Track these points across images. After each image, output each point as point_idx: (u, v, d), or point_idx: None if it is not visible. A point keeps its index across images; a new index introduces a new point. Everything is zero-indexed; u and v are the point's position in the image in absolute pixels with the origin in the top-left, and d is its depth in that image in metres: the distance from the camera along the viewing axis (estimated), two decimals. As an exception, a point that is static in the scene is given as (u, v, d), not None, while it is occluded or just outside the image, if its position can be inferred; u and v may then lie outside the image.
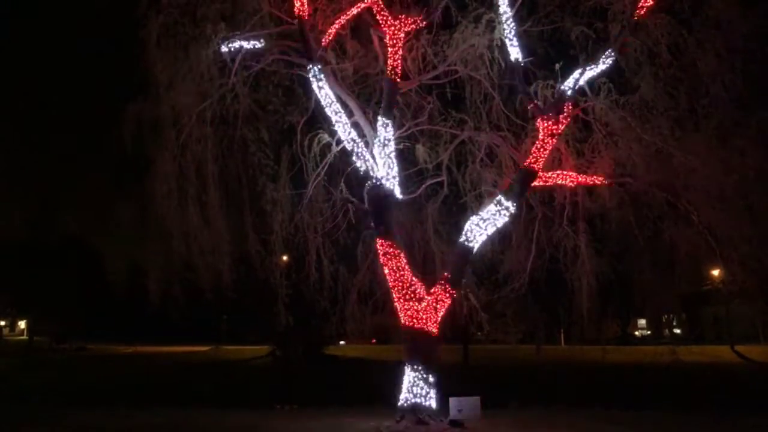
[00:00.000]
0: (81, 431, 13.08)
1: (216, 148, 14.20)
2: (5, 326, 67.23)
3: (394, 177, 13.68)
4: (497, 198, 13.22)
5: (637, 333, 66.74)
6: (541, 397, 17.55)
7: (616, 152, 13.54)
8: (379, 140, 13.71)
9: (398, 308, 13.12)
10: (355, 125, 14.28)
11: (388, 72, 13.98)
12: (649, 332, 65.93)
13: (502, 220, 13.14)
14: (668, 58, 12.97)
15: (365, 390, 19.08)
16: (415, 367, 12.60)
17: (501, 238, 14.94)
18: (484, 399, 13.27)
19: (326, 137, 14.88)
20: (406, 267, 13.13)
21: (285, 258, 16.08)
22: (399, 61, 14.07)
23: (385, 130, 13.74)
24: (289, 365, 34.26)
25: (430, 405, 12.47)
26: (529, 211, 14.65)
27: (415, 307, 12.88)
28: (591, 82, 13.47)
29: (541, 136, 13.15)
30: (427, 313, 12.86)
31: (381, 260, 13.29)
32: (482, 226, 13.14)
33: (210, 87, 13.88)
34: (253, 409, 16.40)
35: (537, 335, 45.91)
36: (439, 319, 12.96)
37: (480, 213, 13.30)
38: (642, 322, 67.10)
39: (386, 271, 13.18)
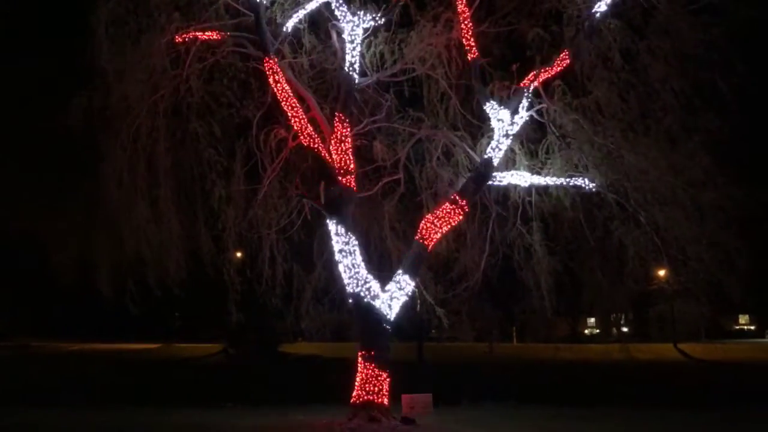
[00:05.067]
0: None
1: (168, 141, 13.86)
2: (-57, 323, 64.35)
3: (351, 174, 13.59)
4: (452, 197, 13.30)
5: (586, 331, 68.41)
6: (493, 395, 17.76)
7: (568, 154, 13.75)
8: (336, 136, 13.60)
9: (352, 306, 13.04)
10: (312, 121, 14.13)
11: (345, 67, 13.87)
12: (598, 331, 67.62)
13: (456, 219, 13.22)
14: (621, 63, 13.23)
15: (319, 387, 18.99)
16: (368, 364, 12.55)
17: (456, 236, 15.02)
18: (437, 396, 13.32)
19: (282, 132, 14.66)
20: (362, 264, 13.07)
21: (238, 255, 15.80)
22: (357, 58, 13.97)
23: (342, 125, 13.64)
24: (242, 363, 33.85)
25: (382, 402, 12.44)
26: (484, 210, 14.75)
27: (370, 305, 12.83)
28: (545, 85, 13.63)
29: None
30: (381, 311, 12.83)
31: (336, 257, 13.19)
32: (437, 225, 13.22)
33: (162, 78, 13.53)
34: (203, 407, 16.09)
35: (490, 333, 46.46)
36: (393, 316, 12.95)
37: (436, 211, 13.35)
38: (591, 320, 68.74)
39: (341, 268, 13.09)
